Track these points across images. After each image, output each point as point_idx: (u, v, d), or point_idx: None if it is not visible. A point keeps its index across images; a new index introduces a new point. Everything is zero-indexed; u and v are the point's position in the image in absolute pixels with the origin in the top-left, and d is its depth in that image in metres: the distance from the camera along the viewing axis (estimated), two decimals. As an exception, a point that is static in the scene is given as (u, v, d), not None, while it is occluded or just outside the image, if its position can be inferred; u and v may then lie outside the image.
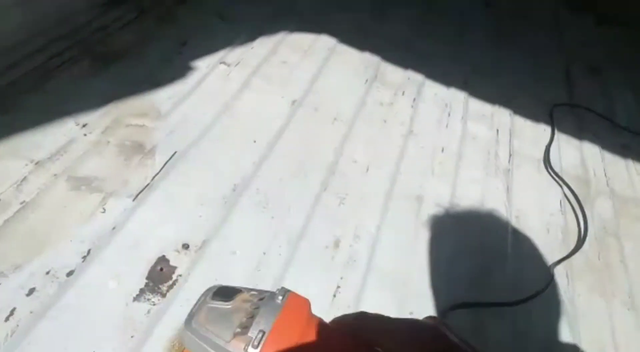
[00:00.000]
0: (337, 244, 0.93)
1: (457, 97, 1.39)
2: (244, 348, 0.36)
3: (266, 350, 0.35)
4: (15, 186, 0.84)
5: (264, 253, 0.87)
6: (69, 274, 0.75)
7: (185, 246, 0.84)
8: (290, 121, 1.13)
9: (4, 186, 0.83)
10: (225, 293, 0.44)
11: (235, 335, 0.37)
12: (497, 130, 1.32)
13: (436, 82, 1.41)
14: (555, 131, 1.37)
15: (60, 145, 0.92)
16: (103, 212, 0.84)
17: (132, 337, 0.71)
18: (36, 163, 0.88)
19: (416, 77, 1.41)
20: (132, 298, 0.75)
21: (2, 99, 0.97)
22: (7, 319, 0.69)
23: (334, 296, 0.85)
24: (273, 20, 1.41)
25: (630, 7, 2.06)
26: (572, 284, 1.00)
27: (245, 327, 0.37)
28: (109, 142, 0.96)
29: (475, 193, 1.12)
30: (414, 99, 1.33)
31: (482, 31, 1.76)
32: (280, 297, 0.40)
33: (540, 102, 1.47)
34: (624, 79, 1.71)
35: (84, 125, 0.97)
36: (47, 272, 0.75)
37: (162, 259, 0.81)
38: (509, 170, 1.21)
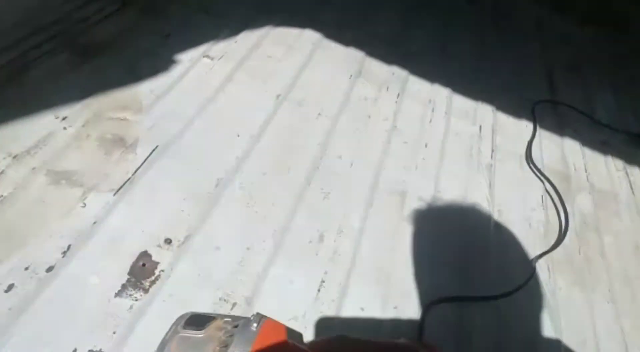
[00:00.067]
0: (321, 238, 0.93)
1: (440, 93, 1.40)
2: None
3: None
4: (-8, 180, 0.82)
5: (248, 248, 0.87)
6: (49, 269, 0.74)
7: (168, 241, 0.83)
8: (274, 116, 1.12)
9: (-19, 180, 0.81)
10: (197, 321, 0.43)
11: None
12: (480, 127, 1.33)
13: (420, 78, 1.42)
14: (537, 128, 1.39)
15: (39, 138, 0.90)
16: (83, 207, 0.83)
17: (114, 333, 0.70)
18: (14, 157, 0.86)
19: (400, 73, 1.41)
20: (114, 294, 0.74)
21: (-21, 92, 0.95)
22: (-15, 315, 0.67)
23: (319, 290, 0.85)
24: (258, 15, 1.40)
25: (610, 7, 2.09)
26: (553, 277, 1.01)
27: None
28: (89, 135, 0.94)
29: (458, 188, 1.13)
30: (398, 95, 1.33)
31: (466, 28, 1.77)
32: (255, 324, 0.39)
33: (522, 99, 1.49)
34: (604, 78, 1.74)
35: (63, 119, 0.95)
36: (26, 268, 0.73)
37: (144, 255, 0.80)
38: (491, 165, 1.22)
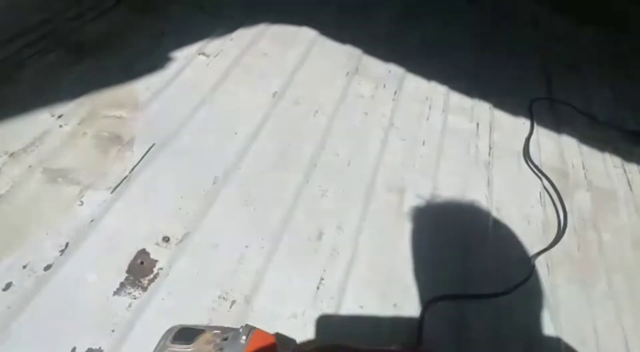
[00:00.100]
0: (319, 236, 0.92)
1: (438, 90, 1.39)
2: None
3: None
4: (-12, 178, 0.81)
5: (246, 246, 0.86)
6: (47, 268, 0.73)
7: (166, 239, 0.82)
8: (271, 113, 1.12)
9: (-24, 179, 0.81)
10: (186, 335, 0.42)
11: None
12: (478, 124, 1.33)
13: (417, 75, 1.41)
14: (535, 125, 1.38)
15: (35, 136, 0.89)
16: (81, 205, 0.82)
17: (112, 331, 0.70)
18: (10, 155, 0.85)
19: (397, 70, 1.40)
20: (112, 292, 0.74)
21: (-26, 90, 0.94)
22: (-18, 315, 0.67)
23: (317, 288, 0.84)
24: (254, 12, 1.39)
25: (610, 7, 2.09)
26: (552, 275, 1.01)
27: None
28: (85, 133, 0.93)
29: (456, 185, 1.13)
30: (395, 92, 1.32)
31: (465, 28, 1.77)
32: (244, 337, 0.38)
33: (520, 96, 1.49)
34: (603, 77, 1.74)
35: (59, 117, 0.94)
36: (24, 267, 0.73)
37: (143, 253, 0.79)
38: (489, 162, 1.22)
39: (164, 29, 1.22)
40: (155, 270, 0.78)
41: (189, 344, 0.40)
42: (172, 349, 0.39)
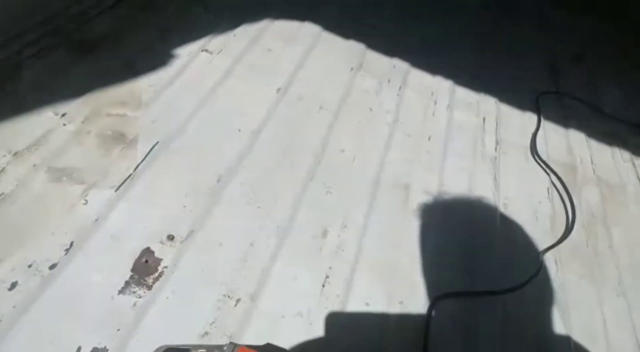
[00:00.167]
0: (325, 234, 0.91)
1: (443, 85, 1.38)
2: None
3: None
4: (-7, 177, 0.81)
5: (251, 244, 0.86)
6: (52, 267, 0.73)
7: (170, 237, 0.82)
8: (275, 110, 1.11)
9: (-19, 178, 0.81)
10: None
11: None
12: (484, 119, 1.32)
13: (422, 70, 1.40)
14: (542, 119, 1.37)
15: (39, 135, 0.89)
16: (85, 204, 0.82)
17: (118, 330, 0.70)
18: (15, 154, 0.85)
19: (402, 65, 1.39)
20: (117, 291, 0.74)
21: (-23, 89, 0.94)
22: (-12, 314, 0.67)
23: (323, 286, 0.84)
24: (256, 8, 1.39)
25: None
26: (561, 271, 1.00)
27: None
28: (89, 132, 0.93)
29: (463, 181, 1.12)
30: (400, 87, 1.31)
31: (468, 21, 1.75)
32: None
33: (526, 90, 1.47)
34: (609, 68, 1.72)
35: (63, 115, 0.94)
36: (29, 266, 0.73)
37: (147, 251, 0.79)
38: (495, 158, 1.21)
39: (166, 26, 1.22)
40: (160, 269, 0.78)
41: None
42: None
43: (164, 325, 0.72)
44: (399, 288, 0.87)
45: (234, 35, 1.27)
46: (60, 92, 0.98)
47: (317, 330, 0.78)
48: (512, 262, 0.98)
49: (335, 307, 0.81)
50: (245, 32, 1.29)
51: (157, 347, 0.43)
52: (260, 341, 0.73)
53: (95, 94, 1.00)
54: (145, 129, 0.97)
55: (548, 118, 1.39)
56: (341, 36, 1.41)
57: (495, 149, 1.23)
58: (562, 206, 1.14)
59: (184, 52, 1.16)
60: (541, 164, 1.23)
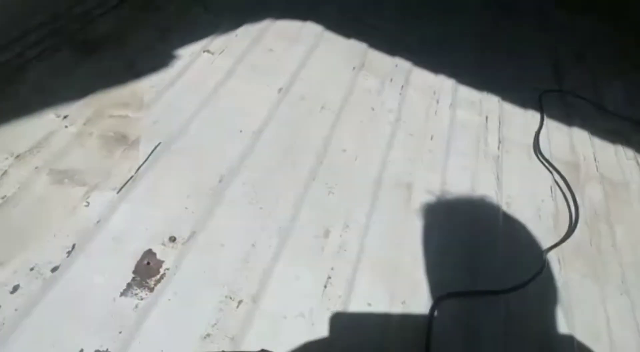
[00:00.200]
0: (327, 234, 0.91)
1: (445, 84, 1.38)
2: None
3: None
4: (-6, 180, 0.81)
5: (253, 245, 0.86)
6: (54, 269, 0.73)
7: (172, 239, 0.82)
8: (277, 110, 1.11)
9: (-17, 181, 0.81)
10: None
11: None
12: (486, 117, 1.31)
13: (424, 69, 1.40)
14: (544, 118, 1.36)
15: (40, 137, 0.90)
16: (87, 206, 0.82)
17: (120, 332, 0.70)
18: (16, 156, 0.85)
19: (404, 64, 1.39)
20: (119, 293, 0.74)
21: (-21, 91, 0.94)
22: (-9, 317, 0.67)
23: (325, 286, 0.83)
24: (257, 8, 1.38)
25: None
26: (564, 270, 0.99)
27: None
28: (91, 133, 0.93)
29: (466, 180, 1.12)
30: (402, 87, 1.31)
31: (470, 20, 1.75)
32: None
33: (529, 89, 1.47)
34: (611, 66, 1.71)
35: (64, 117, 0.94)
36: (31, 269, 0.73)
37: (149, 253, 0.79)
38: (498, 156, 1.20)
39: (168, 27, 1.22)
40: (161, 270, 0.78)
41: None
42: None
43: (165, 327, 0.72)
44: (402, 288, 0.87)
45: (236, 36, 1.27)
46: (62, 93, 0.98)
47: (319, 330, 0.78)
48: (515, 261, 0.98)
49: (338, 307, 0.81)
50: (246, 32, 1.29)
51: None
52: (263, 342, 0.73)
53: (97, 96, 1.00)
54: (147, 130, 0.97)
55: (551, 116, 1.38)
56: (343, 36, 1.41)
57: (498, 148, 1.23)
58: (565, 204, 1.14)
59: (186, 53, 1.16)
60: (544, 162, 1.22)
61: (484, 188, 1.11)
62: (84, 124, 0.94)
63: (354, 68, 1.31)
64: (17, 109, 0.92)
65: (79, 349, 0.67)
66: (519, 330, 0.87)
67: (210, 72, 1.14)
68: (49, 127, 0.92)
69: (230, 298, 0.77)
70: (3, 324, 0.66)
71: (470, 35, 1.65)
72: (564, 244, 1.03)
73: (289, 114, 1.11)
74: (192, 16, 1.28)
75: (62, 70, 1.03)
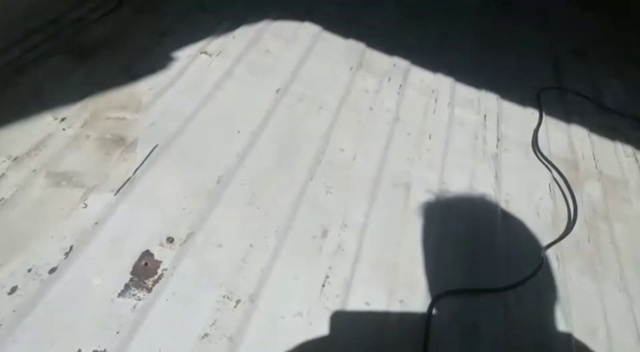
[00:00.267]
0: (325, 233, 0.91)
1: (443, 82, 1.38)
2: None
3: None
4: (-8, 183, 0.82)
5: (251, 245, 0.86)
6: (52, 271, 0.74)
7: (170, 240, 0.82)
8: (275, 110, 1.11)
9: (-19, 184, 0.81)
10: None
11: None
12: (485, 116, 1.31)
13: (422, 68, 1.40)
14: (543, 115, 1.36)
15: (38, 140, 0.90)
16: (84, 208, 0.82)
17: (118, 333, 0.70)
18: (14, 159, 0.86)
19: (402, 63, 1.39)
20: (117, 294, 0.74)
21: (-23, 95, 0.94)
22: (-12, 319, 0.67)
23: (323, 286, 0.84)
24: (255, 9, 1.39)
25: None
26: (563, 267, 0.99)
27: None
28: (88, 136, 0.94)
29: (464, 179, 1.11)
30: (400, 86, 1.31)
31: (468, 18, 1.75)
32: None
33: (527, 86, 1.47)
34: (610, 63, 1.71)
35: (62, 120, 0.95)
36: (29, 270, 0.73)
37: (147, 254, 0.79)
38: (497, 155, 1.20)
39: (166, 29, 1.22)
40: (159, 271, 0.78)
41: None
42: None
43: (163, 327, 0.72)
44: (400, 287, 0.87)
45: (233, 37, 1.27)
46: (60, 96, 0.98)
47: (318, 330, 0.78)
48: (514, 258, 0.98)
49: (336, 306, 0.81)
50: (244, 34, 1.29)
51: None
52: (261, 342, 0.73)
53: (94, 98, 1.00)
54: (144, 131, 0.97)
55: (550, 114, 1.38)
56: (341, 36, 1.41)
57: (497, 146, 1.23)
58: (563, 201, 1.14)
59: (183, 55, 1.17)
60: (543, 160, 1.22)
61: (483, 186, 1.11)
62: (82, 126, 0.95)
63: (351, 68, 1.31)
64: (14, 112, 0.93)
65: (77, 349, 0.67)
66: (517, 327, 0.87)
67: (207, 73, 1.14)
68: (47, 129, 0.92)
69: (228, 298, 0.78)
70: (1, 325, 0.67)
71: (469, 34, 1.65)
72: (562, 242, 1.03)
73: (287, 115, 1.12)
74: (190, 18, 1.29)
75: (60, 73, 1.03)
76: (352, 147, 1.09)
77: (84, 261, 0.76)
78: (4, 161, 0.85)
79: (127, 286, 0.75)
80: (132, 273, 0.77)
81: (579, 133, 1.36)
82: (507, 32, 1.74)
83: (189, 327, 0.73)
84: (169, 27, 1.23)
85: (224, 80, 1.14)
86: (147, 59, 1.12)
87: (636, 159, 1.33)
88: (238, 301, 0.78)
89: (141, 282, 0.76)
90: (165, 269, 0.78)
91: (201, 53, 1.19)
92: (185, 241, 0.83)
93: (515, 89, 1.43)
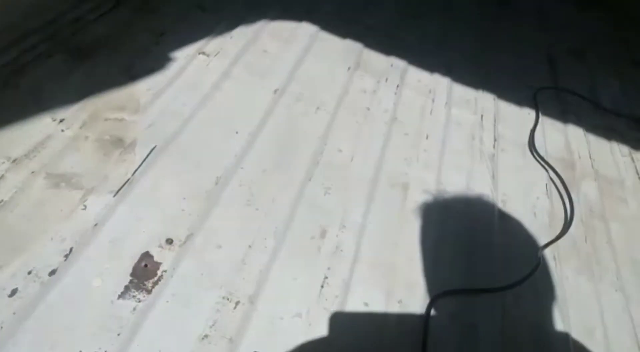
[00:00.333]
0: (323, 234, 0.92)
1: (440, 83, 1.38)
2: None
3: None
4: (-9, 184, 0.82)
5: (250, 246, 0.86)
6: (52, 273, 0.74)
7: (169, 241, 0.82)
8: (273, 111, 1.12)
9: (-20, 186, 0.81)
10: None
11: None
12: (482, 116, 1.32)
13: (420, 68, 1.40)
14: (540, 115, 1.37)
15: (37, 141, 0.90)
16: (84, 209, 0.83)
17: (118, 334, 0.70)
18: (13, 161, 0.86)
19: (399, 63, 1.39)
20: (117, 296, 0.74)
21: (-25, 96, 0.94)
22: (-11, 321, 0.67)
23: (322, 287, 0.84)
24: (253, 9, 1.39)
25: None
26: (560, 267, 1.00)
27: None
28: (87, 137, 0.94)
29: (461, 179, 1.12)
30: (398, 86, 1.31)
31: (465, 17, 1.75)
32: None
33: (524, 86, 1.47)
34: (607, 63, 1.72)
35: (61, 121, 0.95)
36: (29, 272, 0.73)
37: (146, 255, 0.80)
38: (494, 155, 1.21)
39: (164, 29, 1.22)
40: (159, 272, 0.78)
41: None
42: None
43: (163, 328, 0.72)
44: (398, 287, 0.88)
45: (231, 37, 1.27)
46: (58, 97, 0.98)
47: (317, 331, 0.78)
48: (511, 258, 0.98)
49: (334, 307, 0.82)
50: (242, 34, 1.29)
51: None
52: (260, 343, 0.74)
53: (93, 99, 1.00)
54: (143, 132, 0.98)
55: (546, 114, 1.39)
56: (338, 36, 1.41)
57: (494, 146, 1.23)
58: (560, 201, 1.15)
59: (181, 55, 1.17)
60: (539, 160, 1.23)
61: (480, 186, 1.12)
62: (80, 127, 0.95)
63: (349, 68, 1.31)
64: (13, 113, 0.93)
65: (77, 351, 0.67)
66: (514, 327, 0.88)
67: (205, 74, 1.14)
68: (45, 131, 0.92)
69: (228, 299, 0.78)
70: (1, 327, 0.67)
71: (467, 34, 1.65)
72: (559, 241, 1.04)
73: (285, 115, 1.12)
74: (188, 18, 1.29)
75: (58, 75, 1.03)
76: (349, 147, 1.10)
77: (84, 262, 0.76)
78: (3, 163, 0.85)
79: (127, 288, 0.75)
80: (131, 275, 0.77)
81: (575, 133, 1.37)
82: (507, 32, 1.74)
83: (189, 328, 0.73)
84: (168, 27, 1.23)
85: (222, 80, 1.14)
86: (146, 59, 1.12)
87: (632, 159, 1.34)
88: (237, 302, 0.78)
89: (141, 284, 0.76)
90: (165, 271, 0.78)
91: (199, 53, 1.19)
92: (184, 242, 0.83)
93: (512, 89, 1.43)
